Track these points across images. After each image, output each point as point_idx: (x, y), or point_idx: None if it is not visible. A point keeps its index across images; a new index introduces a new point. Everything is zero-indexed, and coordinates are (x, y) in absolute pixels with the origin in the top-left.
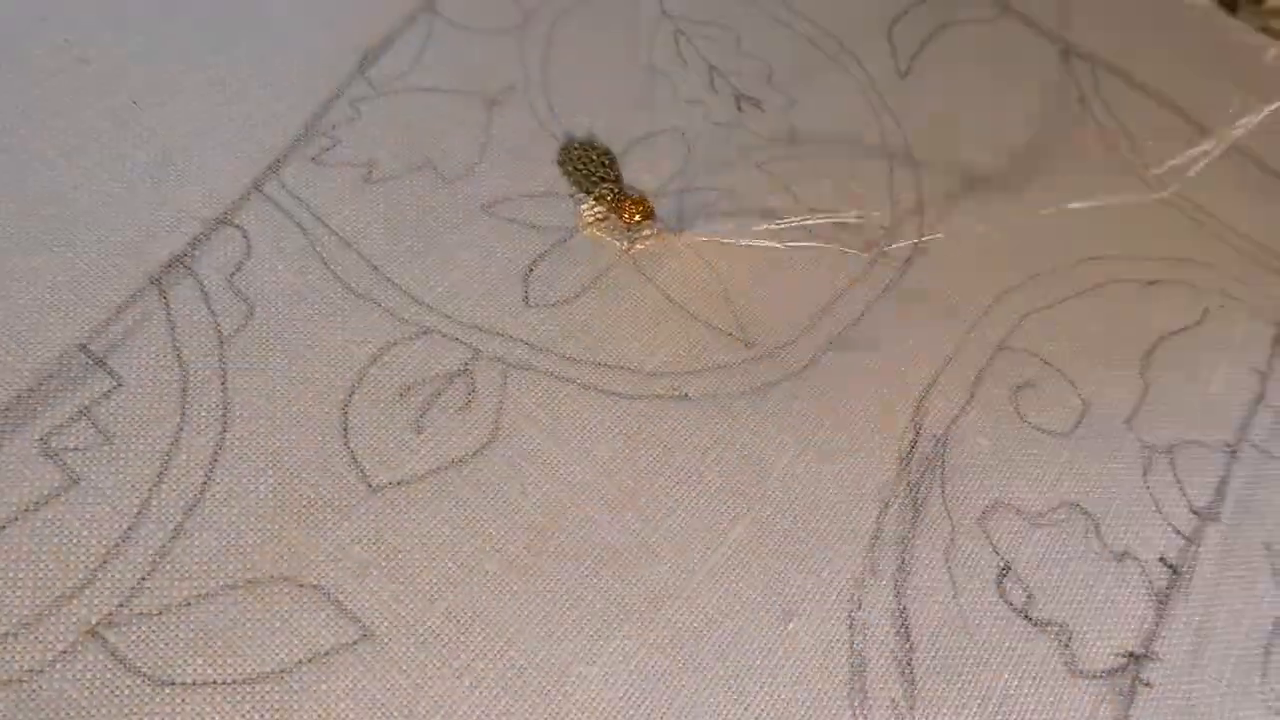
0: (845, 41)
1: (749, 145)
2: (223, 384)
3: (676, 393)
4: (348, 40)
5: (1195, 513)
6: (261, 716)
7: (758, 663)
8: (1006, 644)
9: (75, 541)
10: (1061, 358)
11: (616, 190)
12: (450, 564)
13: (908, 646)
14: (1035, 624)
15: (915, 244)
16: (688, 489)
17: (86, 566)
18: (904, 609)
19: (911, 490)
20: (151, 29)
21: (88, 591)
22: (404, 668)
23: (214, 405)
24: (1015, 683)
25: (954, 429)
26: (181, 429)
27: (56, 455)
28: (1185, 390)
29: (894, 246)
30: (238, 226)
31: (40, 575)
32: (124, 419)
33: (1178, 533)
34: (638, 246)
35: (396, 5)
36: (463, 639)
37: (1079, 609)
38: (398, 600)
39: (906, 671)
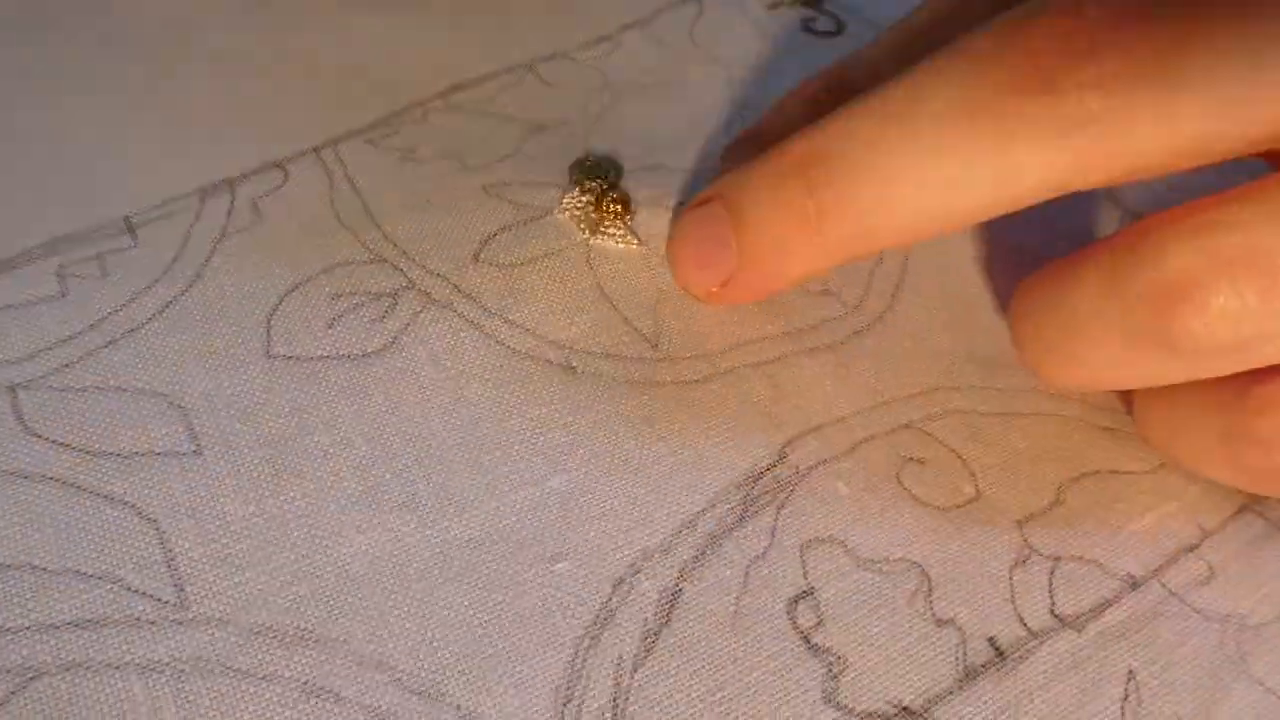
0: None
1: None
2: (206, 261)
3: (564, 363)
4: (442, 72)
5: (1056, 615)
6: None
7: (508, 581)
8: (768, 652)
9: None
10: (972, 454)
11: (605, 187)
12: (304, 418)
13: (663, 620)
14: (811, 647)
15: (865, 325)
16: (532, 434)
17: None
18: (679, 589)
19: (746, 502)
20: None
21: (25, 364)
22: (229, 481)
23: (190, 274)
24: (756, 686)
25: (819, 469)
26: (157, 281)
27: (61, 275)
28: (1104, 516)
29: (842, 318)
30: (283, 169)
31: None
32: (121, 266)
33: (1023, 624)
34: (597, 239)
35: (500, 56)
36: (280, 478)
37: (867, 649)
38: (236, 433)
39: (649, 639)
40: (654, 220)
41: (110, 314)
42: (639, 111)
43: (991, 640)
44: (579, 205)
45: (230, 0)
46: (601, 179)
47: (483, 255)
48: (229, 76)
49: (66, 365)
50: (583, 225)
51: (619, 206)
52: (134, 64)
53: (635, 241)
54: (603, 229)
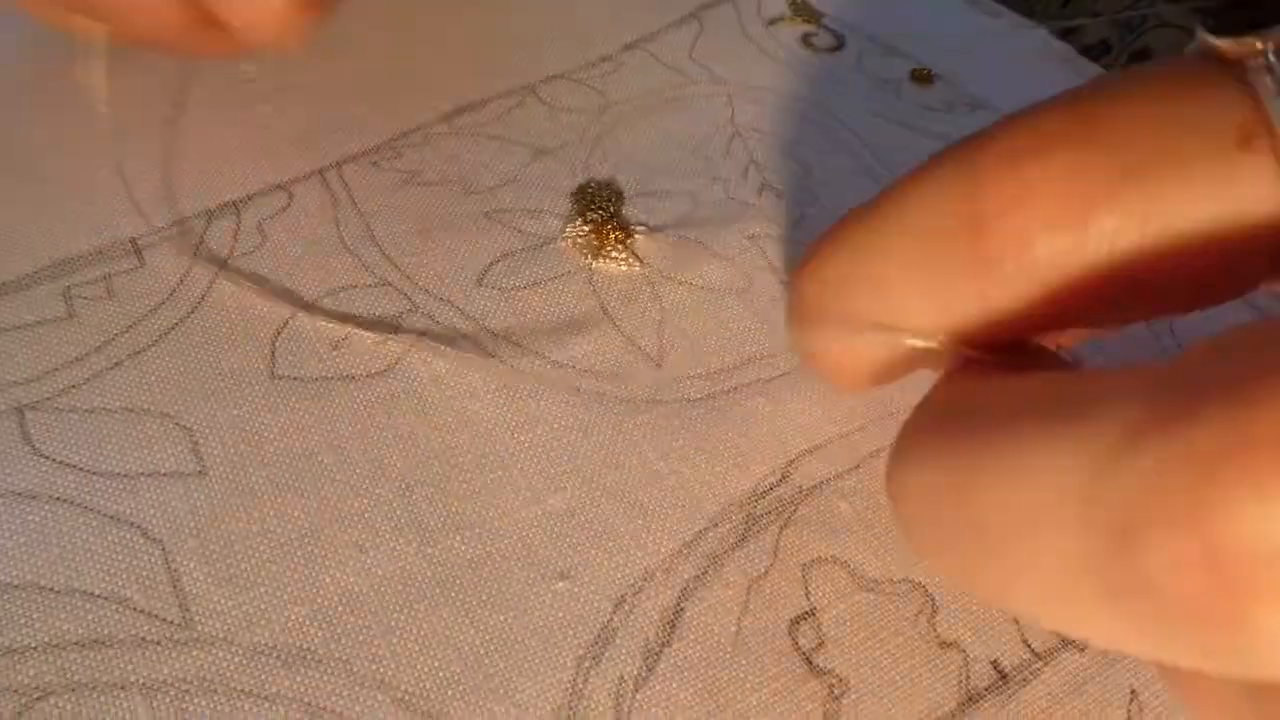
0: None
1: (751, 220)
2: (211, 283)
3: (568, 383)
4: (444, 94)
5: (1058, 636)
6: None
7: (509, 601)
8: (770, 673)
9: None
10: None
11: (605, 216)
12: (307, 438)
13: (665, 640)
14: (813, 669)
15: None
16: (532, 455)
17: (35, 370)
18: (680, 609)
19: (748, 521)
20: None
21: (32, 385)
22: (233, 501)
23: (195, 296)
24: (758, 707)
25: (822, 487)
26: (163, 303)
27: (68, 297)
28: None
29: None
30: (288, 191)
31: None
32: (128, 288)
33: (1028, 646)
34: (600, 264)
35: (501, 79)
36: (283, 498)
37: (869, 671)
38: (240, 454)
39: (651, 659)
40: (654, 244)
41: (116, 336)
42: (640, 133)
43: (995, 663)
44: (581, 234)
45: None
46: (602, 209)
47: (486, 280)
48: (234, 99)
49: (73, 386)
50: (585, 252)
51: (620, 233)
52: (140, 86)
53: (638, 264)
54: (604, 253)
